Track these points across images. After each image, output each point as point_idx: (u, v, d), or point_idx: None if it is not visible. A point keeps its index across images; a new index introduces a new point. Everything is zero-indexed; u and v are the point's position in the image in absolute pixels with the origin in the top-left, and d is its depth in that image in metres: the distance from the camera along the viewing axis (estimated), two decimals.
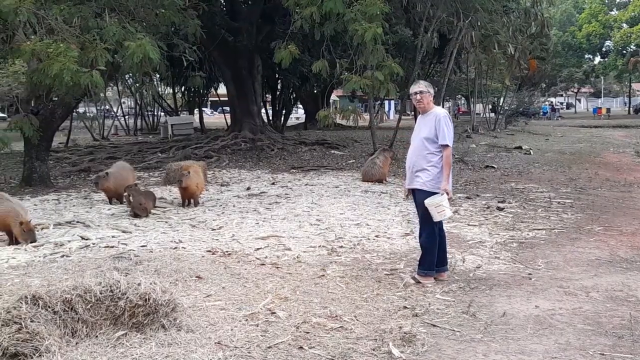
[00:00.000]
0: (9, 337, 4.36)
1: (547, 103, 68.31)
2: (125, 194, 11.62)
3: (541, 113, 61.27)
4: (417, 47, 21.25)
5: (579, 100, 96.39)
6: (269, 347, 4.77)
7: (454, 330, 5.27)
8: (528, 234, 9.38)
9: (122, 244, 8.71)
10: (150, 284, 5.07)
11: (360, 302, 6.03)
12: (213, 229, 9.77)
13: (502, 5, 21.48)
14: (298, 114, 56.61)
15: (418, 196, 6.90)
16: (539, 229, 9.71)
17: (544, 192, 13.53)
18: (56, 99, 15.02)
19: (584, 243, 8.75)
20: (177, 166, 14.16)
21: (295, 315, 5.56)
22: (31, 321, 4.46)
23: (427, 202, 6.61)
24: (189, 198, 12.03)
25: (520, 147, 24.80)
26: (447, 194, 6.60)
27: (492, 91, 46.29)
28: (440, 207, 6.57)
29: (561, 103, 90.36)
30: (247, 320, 5.38)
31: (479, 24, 19.13)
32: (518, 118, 41.29)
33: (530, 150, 23.83)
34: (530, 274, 7.18)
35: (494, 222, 10.30)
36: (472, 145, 25.30)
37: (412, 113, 37.11)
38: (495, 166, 18.85)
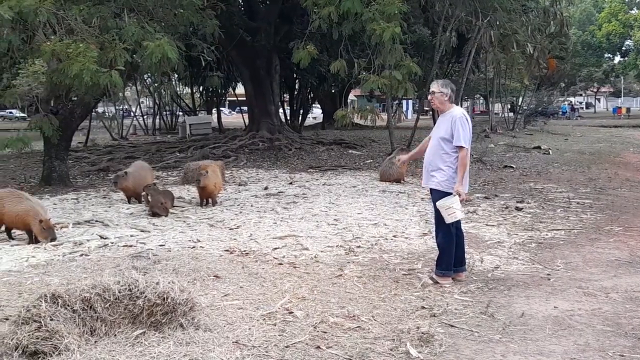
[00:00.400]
0: (29, 335, 4.39)
1: (566, 103, 67.94)
2: (144, 193, 11.68)
3: (560, 113, 60.92)
4: (435, 46, 21.21)
5: (599, 100, 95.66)
6: (286, 347, 4.78)
7: (472, 331, 5.25)
8: (547, 234, 9.33)
9: (141, 243, 8.75)
10: (169, 283, 5.09)
11: (377, 302, 6.02)
12: (231, 229, 9.79)
13: (521, 5, 21.38)
14: (315, 114, 56.57)
15: (433, 196, 6.91)
16: (558, 229, 9.65)
17: (563, 192, 13.45)
18: (75, 98, 15.13)
19: (603, 243, 8.69)
20: (195, 166, 14.19)
21: (313, 314, 5.56)
22: (51, 320, 4.49)
23: (439, 204, 6.60)
24: (207, 197, 12.06)
25: (539, 147, 24.65)
26: (460, 195, 6.57)
27: (511, 91, 46.01)
28: (450, 210, 6.55)
29: (580, 103, 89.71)
30: (264, 319, 5.38)
31: (497, 23, 19.05)
32: (537, 118, 41.00)
33: (549, 150, 23.68)
34: (549, 274, 7.14)
35: (512, 223, 10.25)
36: (491, 145, 25.20)
37: (430, 113, 36.92)
38: (514, 166, 18.76)
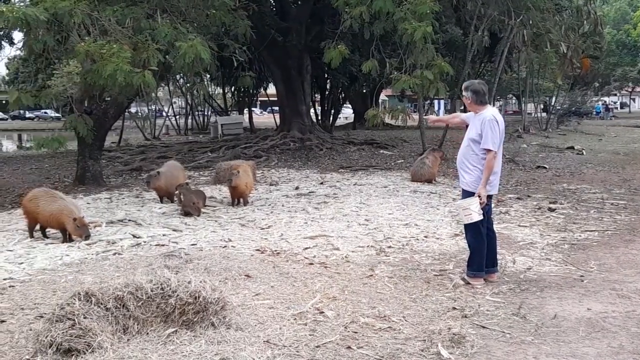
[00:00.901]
0: (63, 332, 4.44)
1: (600, 102, 67.09)
2: (177, 192, 11.77)
3: (594, 113, 60.18)
4: (467, 46, 21.09)
5: (633, 100, 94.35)
6: (317, 347, 4.79)
7: (503, 332, 5.21)
8: (580, 236, 9.23)
9: (173, 242, 8.82)
10: (200, 282, 5.12)
11: (408, 303, 6.01)
12: (262, 228, 9.83)
13: (554, 4, 21.18)
14: (346, 114, 56.54)
15: (463, 195, 6.89)
16: (592, 231, 9.54)
17: (596, 193, 13.30)
18: (109, 99, 15.29)
19: (637, 245, 8.58)
20: (227, 165, 14.28)
21: (344, 315, 5.56)
22: (84, 317, 4.55)
23: (457, 203, 6.58)
24: (238, 197, 12.12)
25: (572, 147, 24.39)
26: (480, 197, 6.52)
27: (544, 90, 45.64)
28: (467, 210, 6.51)
29: (615, 102, 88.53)
30: (295, 319, 5.40)
31: (530, 22, 18.89)
32: (570, 118, 40.58)
33: (583, 151, 23.42)
34: (582, 276, 7.07)
35: (545, 223, 10.16)
36: (524, 145, 25.00)
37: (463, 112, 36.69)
38: (547, 166, 18.59)
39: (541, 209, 11.41)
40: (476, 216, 6.57)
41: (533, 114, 41.95)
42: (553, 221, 10.34)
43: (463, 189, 6.86)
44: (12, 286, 6.53)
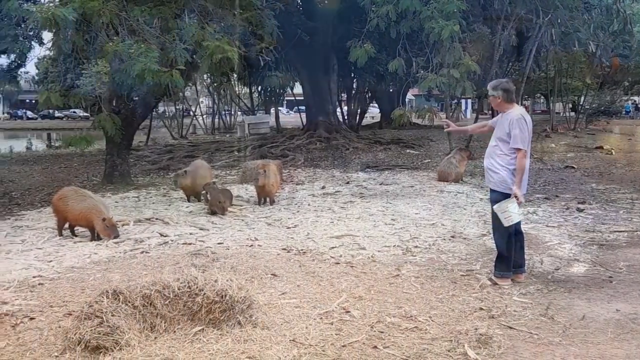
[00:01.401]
0: (91, 330, 4.49)
1: (630, 102, 66.28)
2: (204, 192, 11.83)
3: (624, 112, 59.47)
4: (494, 45, 20.95)
5: None
6: (343, 346, 4.78)
7: (531, 333, 5.17)
8: (609, 236, 9.13)
9: (200, 241, 8.86)
10: (227, 280, 5.14)
11: (435, 303, 5.98)
12: (288, 227, 9.84)
13: (583, 2, 20.94)
14: (373, 113, 56.44)
15: (491, 195, 6.85)
16: (620, 231, 9.44)
17: (626, 193, 13.15)
18: (137, 98, 15.40)
19: None
20: (254, 165, 14.30)
21: (370, 314, 5.56)
22: (112, 315, 4.59)
23: (495, 208, 6.53)
24: (265, 196, 12.15)
25: (601, 147, 24.13)
26: (517, 198, 6.47)
27: (572, 90, 45.17)
28: (506, 213, 6.46)
29: None
30: (321, 318, 5.40)
31: (559, 21, 18.73)
32: (599, 117, 40.16)
33: (612, 150, 23.16)
34: (611, 277, 6.99)
35: (573, 224, 10.07)
36: (552, 144, 24.79)
37: (490, 112, 36.49)
38: (575, 166, 18.42)
39: (569, 209, 11.31)
40: (516, 217, 6.53)
41: (561, 114, 41.58)
42: (581, 221, 10.25)
43: (491, 189, 6.83)
44: (42, 284, 6.60)
